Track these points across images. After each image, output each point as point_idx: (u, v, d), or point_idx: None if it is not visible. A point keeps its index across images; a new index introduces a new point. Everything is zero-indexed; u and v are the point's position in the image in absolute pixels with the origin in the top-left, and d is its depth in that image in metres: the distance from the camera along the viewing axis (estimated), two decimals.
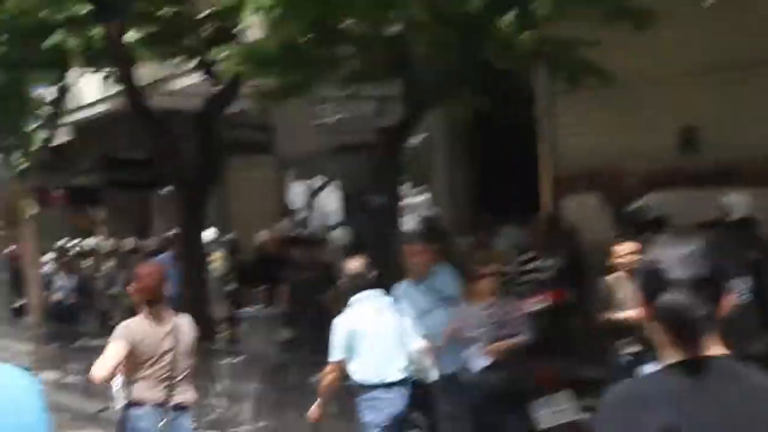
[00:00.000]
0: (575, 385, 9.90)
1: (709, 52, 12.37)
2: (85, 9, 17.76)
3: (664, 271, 3.03)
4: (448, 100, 11.91)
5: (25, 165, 21.99)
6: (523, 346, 9.90)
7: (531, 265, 12.99)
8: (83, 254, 23.41)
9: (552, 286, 12.87)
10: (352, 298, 9.04)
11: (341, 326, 8.92)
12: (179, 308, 8.83)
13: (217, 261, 18.73)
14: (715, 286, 3.02)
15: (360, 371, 8.85)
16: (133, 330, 8.14)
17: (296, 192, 21.83)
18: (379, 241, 12.43)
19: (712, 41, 12.28)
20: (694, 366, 2.97)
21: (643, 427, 2.94)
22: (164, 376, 8.11)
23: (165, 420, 8.10)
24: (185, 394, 8.26)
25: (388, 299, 9.19)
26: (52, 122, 21.97)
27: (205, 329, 14.51)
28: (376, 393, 8.78)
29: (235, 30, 14.73)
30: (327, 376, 8.99)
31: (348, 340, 8.81)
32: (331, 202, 20.62)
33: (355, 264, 9.30)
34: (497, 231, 14.74)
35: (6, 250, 26.76)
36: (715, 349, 3.00)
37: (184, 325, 8.36)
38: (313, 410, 9.09)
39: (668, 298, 2.97)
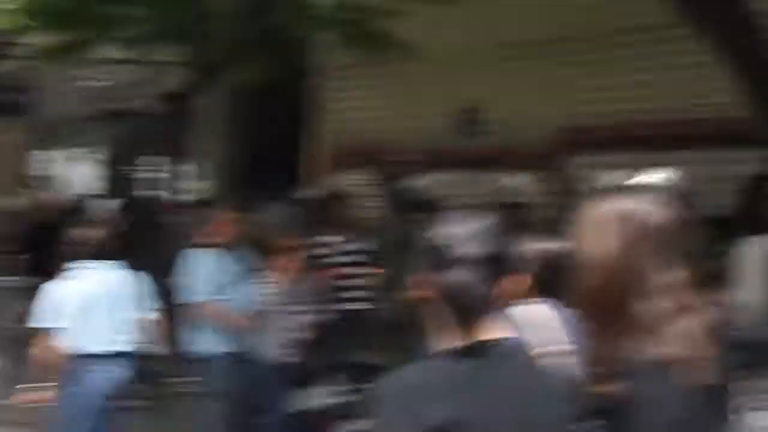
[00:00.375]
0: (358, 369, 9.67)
1: (500, 31, 11.97)
2: None
3: (450, 247, 2.89)
4: (237, 66, 11.11)
5: None
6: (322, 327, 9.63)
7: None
8: None
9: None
10: (72, 266, 8.36)
11: (52, 293, 8.22)
12: None
13: None
14: (501, 265, 2.91)
15: (73, 340, 8.09)
16: None
17: (48, 158, 20.94)
18: (142, 214, 11.64)
19: (504, 20, 11.92)
20: (478, 350, 2.83)
21: (422, 420, 2.76)
22: None
23: None
24: None
25: (117, 270, 8.47)
26: None
27: None
28: (88, 364, 8.09)
29: None
30: (44, 348, 8.15)
31: (59, 307, 8.10)
32: (87, 170, 19.78)
33: (86, 232, 8.59)
34: (263, 207, 14.24)
35: None
36: (498, 331, 2.87)
37: None
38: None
39: (454, 275, 2.83)
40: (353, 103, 13.85)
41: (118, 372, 8.26)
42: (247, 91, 13.26)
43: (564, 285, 3.43)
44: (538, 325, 4.64)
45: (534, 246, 5.38)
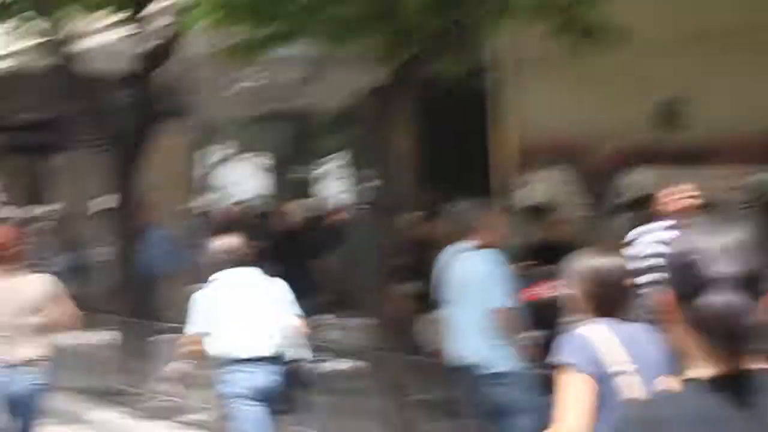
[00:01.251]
0: None
1: (702, 15, 11.09)
2: None
3: (703, 265, 2.40)
4: (430, 60, 10.80)
5: None
6: None
7: None
8: None
9: None
10: (218, 273, 8.88)
11: (196, 300, 8.84)
12: None
13: None
14: (761, 284, 2.43)
15: (218, 345, 8.66)
16: None
17: (212, 161, 20.70)
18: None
19: (709, 5, 11.14)
20: (737, 382, 2.40)
21: None
22: (5, 333, 8.22)
23: (9, 375, 8.21)
24: (28, 351, 8.22)
25: (261, 277, 8.94)
26: None
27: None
28: (235, 367, 8.60)
29: None
30: (186, 348, 8.97)
31: (207, 313, 8.70)
32: (252, 173, 19.72)
33: (227, 242, 9.08)
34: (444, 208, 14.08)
35: None
36: (757, 361, 2.43)
37: (35, 282, 8.38)
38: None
39: (712, 299, 2.38)
40: (542, 96, 13.12)
41: (263, 376, 8.58)
42: (432, 87, 13.05)
43: None
44: None
45: None
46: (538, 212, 11.67)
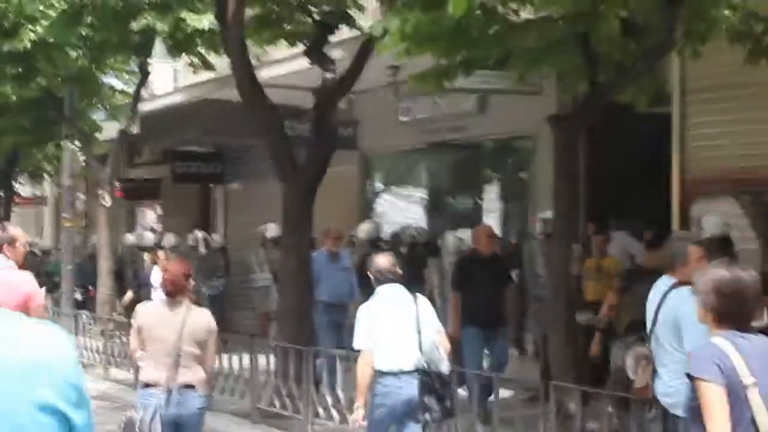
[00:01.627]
0: None
1: None
2: None
3: None
4: (617, 88, 10.56)
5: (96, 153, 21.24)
6: None
7: None
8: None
9: None
10: (377, 289, 9.44)
11: (361, 315, 9.40)
12: None
13: None
14: None
15: (377, 359, 9.14)
16: (144, 313, 9.03)
17: (378, 189, 20.90)
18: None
19: None
20: None
21: None
22: (168, 359, 8.57)
23: (169, 398, 8.55)
24: (188, 376, 8.59)
25: (407, 293, 9.44)
26: (123, 113, 21.19)
27: None
28: (387, 380, 9.08)
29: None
30: (362, 367, 9.24)
31: (370, 327, 9.21)
32: (413, 201, 19.80)
33: (383, 259, 9.71)
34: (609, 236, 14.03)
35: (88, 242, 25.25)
36: None
37: (199, 315, 8.81)
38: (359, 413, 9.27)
39: None
40: (718, 126, 12.98)
41: (414, 386, 9.12)
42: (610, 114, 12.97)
43: None
44: None
45: None
46: (726, 244, 10.99)
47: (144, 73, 19.40)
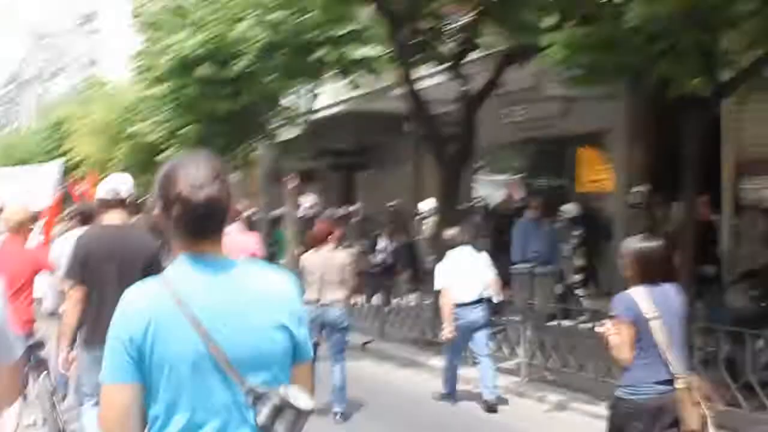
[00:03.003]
0: None
1: None
2: (342, 31, 17.14)
3: None
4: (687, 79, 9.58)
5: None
6: None
7: None
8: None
9: None
10: (448, 253, 10.06)
11: (440, 268, 10.03)
12: None
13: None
14: None
15: (454, 295, 9.78)
16: (305, 257, 9.63)
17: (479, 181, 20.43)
18: None
19: None
20: None
21: None
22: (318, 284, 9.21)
23: (321, 310, 9.21)
24: (334, 295, 9.21)
25: (472, 252, 10.09)
26: (293, 121, 21.26)
27: None
28: (459, 309, 9.71)
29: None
30: (443, 300, 9.89)
31: (447, 273, 9.86)
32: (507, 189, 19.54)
33: (452, 231, 10.43)
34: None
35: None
36: None
37: (342, 255, 9.49)
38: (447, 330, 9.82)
39: None
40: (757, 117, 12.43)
41: (478, 313, 9.81)
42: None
43: None
44: None
45: None
46: None
47: (315, 93, 19.37)
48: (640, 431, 5.21)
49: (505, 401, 10.16)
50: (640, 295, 5.31)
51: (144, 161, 24.85)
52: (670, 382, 5.23)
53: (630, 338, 5.25)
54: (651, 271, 5.35)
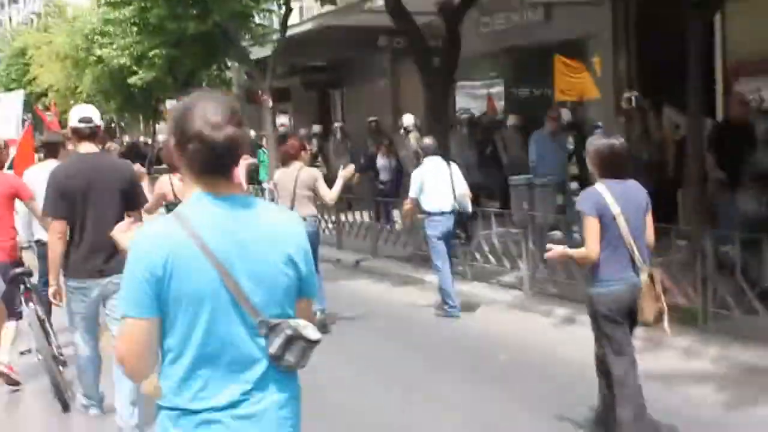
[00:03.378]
0: None
1: None
2: None
3: None
4: None
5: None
6: None
7: None
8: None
9: None
10: (424, 160, 10.01)
11: (415, 175, 9.93)
12: None
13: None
14: None
15: (426, 203, 9.79)
16: (277, 173, 9.49)
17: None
18: None
19: None
20: None
21: None
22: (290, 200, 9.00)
23: None
24: (303, 210, 8.85)
25: (444, 162, 9.96)
26: (264, 40, 20.55)
27: None
28: (435, 217, 9.70)
29: None
30: (407, 206, 10.11)
31: (420, 184, 9.76)
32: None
33: (428, 140, 10.36)
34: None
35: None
36: None
37: (310, 172, 9.18)
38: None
39: None
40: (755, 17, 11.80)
41: (449, 221, 9.77)
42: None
43: None
44: None
45: None
46: None
47: (288, 9, 18.62)
48: (620, 323, 5.43)
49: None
50: (604, 191, 5.38)
51: (112, 87, 24.16)
52: (636, 273, 5.39)
53: (596, 232, 5.34)
54: (614, 167, 5.43)
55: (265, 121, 19.18)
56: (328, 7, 18.49)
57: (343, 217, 14.72)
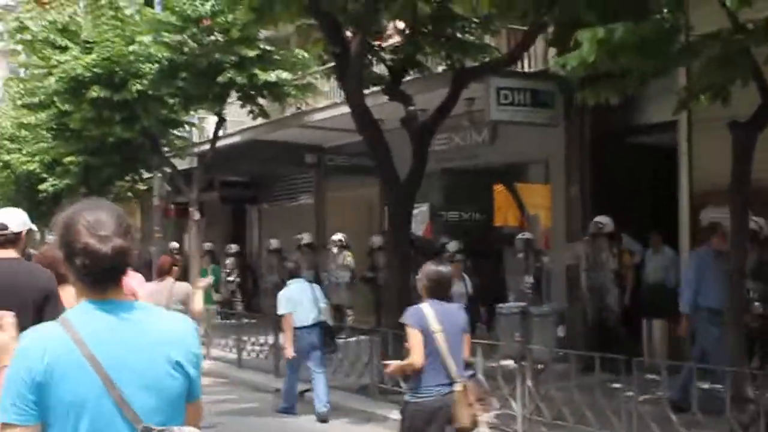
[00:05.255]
0: None
1: None
2: (254, 52, 15.31)
3: None
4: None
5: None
6: None
7: None
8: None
9: None
10: (288, 282, 10.90)
11: (281, 296, 10.77)
12: None
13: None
14: None
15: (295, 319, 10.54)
16: (147, 287, 8.88)
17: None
18: None
19: None
20: None
21: None
22: None
23: None
24: None
25: (307, 282, 10.96)
26: (184, 152, 19.17)
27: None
28: (299, 331, 10.47)
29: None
30: (286, 323, 10.65)
31: (288, 301, 10.57)
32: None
33: (292, 265, 11.59)
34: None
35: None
36: None
37: (183, 287, 9.37)
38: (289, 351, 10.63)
39: None
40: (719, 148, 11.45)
41: (314, 335, 10.53)
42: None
43: None
44: None
45: None
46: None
47: (221, 119, 17.30)
48: (424, 429, 5.83)
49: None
50: (428, 309, 5.90)
51: (23, 192, 22.26)
52: (449, 384, 5.84)
53: (419, 343, 5.83)
54: (440, 290, 6.01)
55: (191, 235, 17.62)
56: (257, 120, 17.45)
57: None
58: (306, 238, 18.78)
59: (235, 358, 14.46)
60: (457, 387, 5.81)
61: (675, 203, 11.85)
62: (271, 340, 13.64)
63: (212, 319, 16.19)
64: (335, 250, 17.01)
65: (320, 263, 18.04)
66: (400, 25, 12.27)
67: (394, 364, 6.12)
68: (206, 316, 16.74)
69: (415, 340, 5.85)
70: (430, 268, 6.17)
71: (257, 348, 14.44)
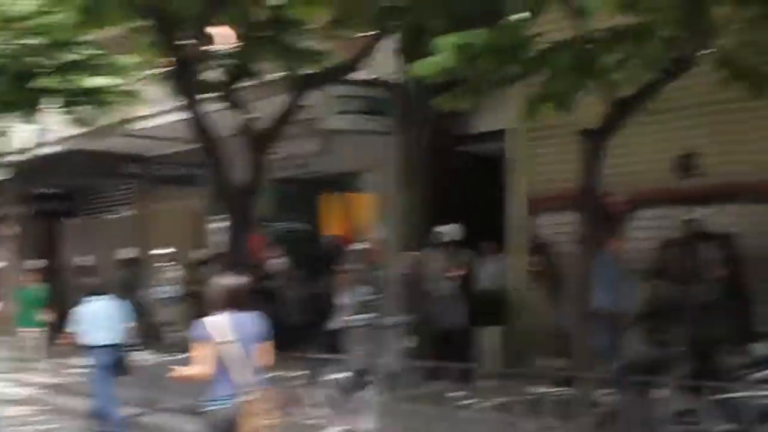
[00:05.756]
0: None
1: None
2: (73, 57, 14.41)
3: None
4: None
5: None
6: None
7: None
8: None
9: None
10: (85, 298, 10.63)
11: (76, 312, 10.59)
12: None
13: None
14: None
15: (87, 338, 10.42)
16: None
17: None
18: None
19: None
20: None
21: None
22: None
23: None
24: None
25: (110, 299, 10.71)
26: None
27: None
28: (95, 351, 10.33)
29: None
30: (65, 340, 10.80)
31: (83, 319, 10.42)
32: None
33: (94, 281, 11.46)
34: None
35: None
36: None
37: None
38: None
39: None
40: (550, 155, 11.49)
41: (113, 353, 10.42)
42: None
43: None
44: None
45: None
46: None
47: (42, 128, 16.19)
48: None
49: None
50: (221, 321, 5.98)
51: None
52: (241, 394, 5.96)
53: (208, 355, 5.92)
54: (236, 302, 6.06)
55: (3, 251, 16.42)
56: (74, 130, 16.44)
57: None
58: (125, 253, 17.93)
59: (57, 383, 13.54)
60: (247, 397, 5.96)
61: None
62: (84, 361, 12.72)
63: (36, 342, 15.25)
64: (164, 264, 16.23)
65: (143, 279, 17.21)
66: (230, 31, 11.81)
67: (178, 370, 6.28)
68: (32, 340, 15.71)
69: (205, 351, 5.96)
70: (227, 280, 6.29)
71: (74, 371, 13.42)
